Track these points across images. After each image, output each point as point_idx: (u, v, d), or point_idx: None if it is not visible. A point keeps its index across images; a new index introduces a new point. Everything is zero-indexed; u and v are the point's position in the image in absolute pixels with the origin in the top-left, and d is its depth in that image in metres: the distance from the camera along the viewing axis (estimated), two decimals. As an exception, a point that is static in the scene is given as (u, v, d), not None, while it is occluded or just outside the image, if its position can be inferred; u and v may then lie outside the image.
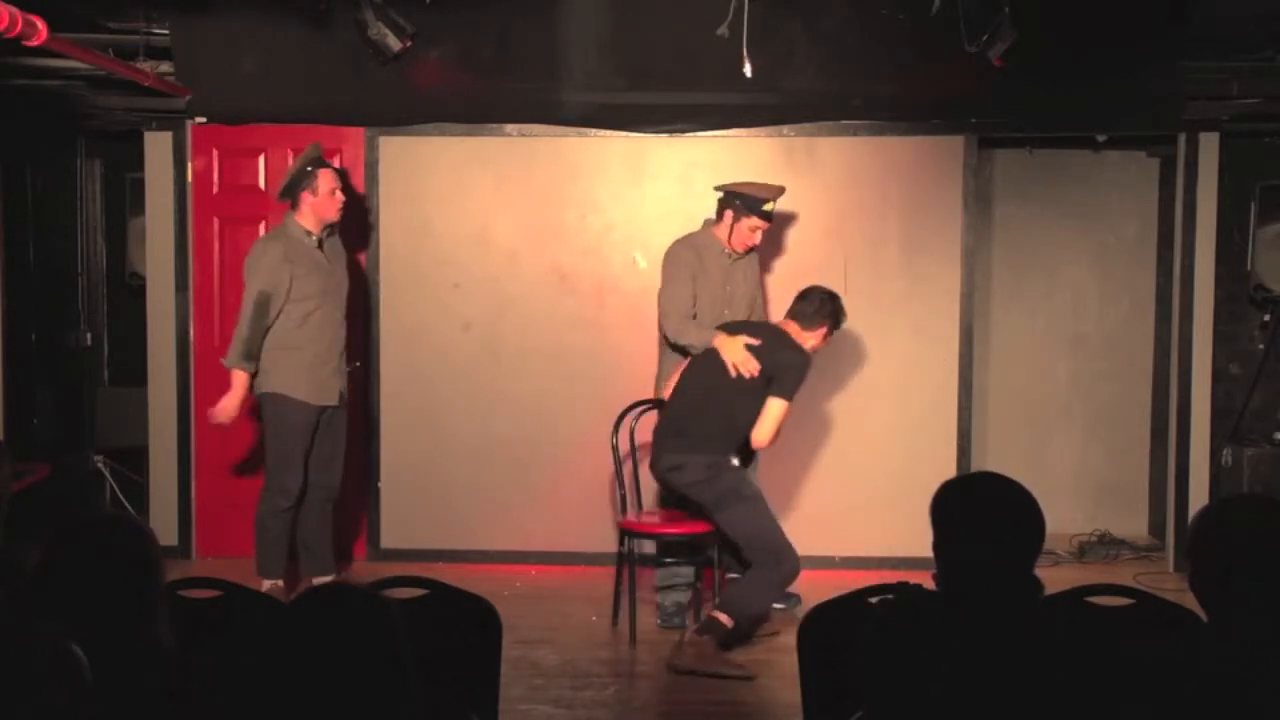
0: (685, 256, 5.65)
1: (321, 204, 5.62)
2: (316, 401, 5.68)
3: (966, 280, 6.49)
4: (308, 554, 5.83)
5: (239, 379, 5.58)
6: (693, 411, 5.29)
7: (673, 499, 5.51)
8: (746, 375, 5.23)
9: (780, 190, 5.66)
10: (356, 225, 6.58)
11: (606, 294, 6.56)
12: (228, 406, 5.60)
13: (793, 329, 5.36)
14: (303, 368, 5.63)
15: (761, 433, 5.26)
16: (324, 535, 5.86)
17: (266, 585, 5.52)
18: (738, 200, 5.61)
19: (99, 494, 7.05)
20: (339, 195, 5.67)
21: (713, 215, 5.75)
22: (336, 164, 6.54)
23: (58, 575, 2.32)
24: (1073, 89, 6.15)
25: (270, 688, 2.00)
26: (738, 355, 5.25)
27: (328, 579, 5.70)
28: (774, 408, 5.22)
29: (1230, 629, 2.34)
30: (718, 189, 5.72)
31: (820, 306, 5.37)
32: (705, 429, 5.25)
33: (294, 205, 5.64)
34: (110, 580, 2.32)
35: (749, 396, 5.25)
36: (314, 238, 5.65)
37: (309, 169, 5.61)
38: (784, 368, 5.23)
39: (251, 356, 5.55)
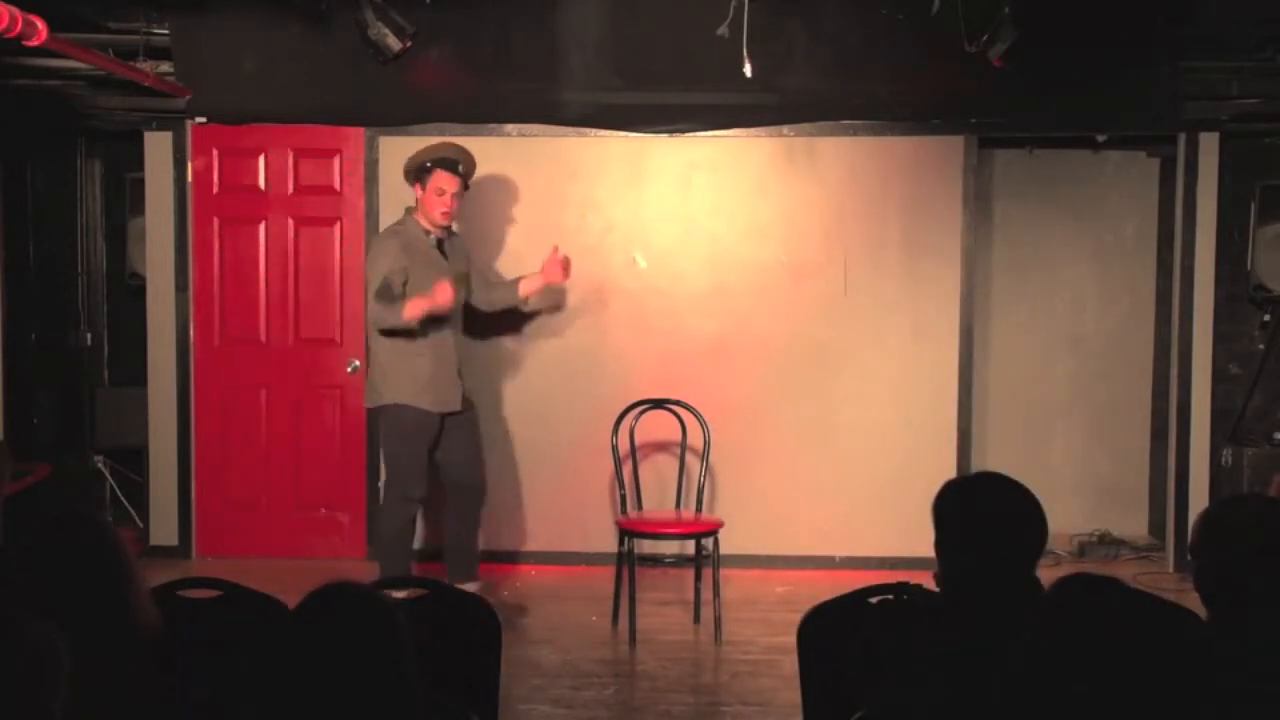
0: None
1: (426, 201, 5.48)
2: (438, 409, 5.52)
3: (966, 280, 6.49)
4: (455, 560, 5.67)
5: (414, 303, 5.31)
6: None
7: None
8: None
9: None
10: (353, 224, 6.60)
11: (606, 294, 6.56)
12: (444, 294, 5.31)
13: None
14: (423, 376, 5.46)
15: None
16: (472, 542, 5.73)
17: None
18: None
19: (99, 494, 7.06)
20: (445, 199, 5.46)
21: None
22: (336, 164, 6.56)
23: (17, 575, 2.31)
24: (1073, 89, 6.14)
25: (276, 688, 2.00)
26: None
27: (474, 585, 5.55)
28: None
29: (1236, 627, 2.34)
30: None
31: None
32: None
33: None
34: (70, 573, 2.31)
35: None
36: (431, 236, 5.52)
37: (428, 164, 5.48)
38: None
39: (397, 298, 5.33)
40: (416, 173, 5.52)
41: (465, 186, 5.62)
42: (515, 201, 6.55)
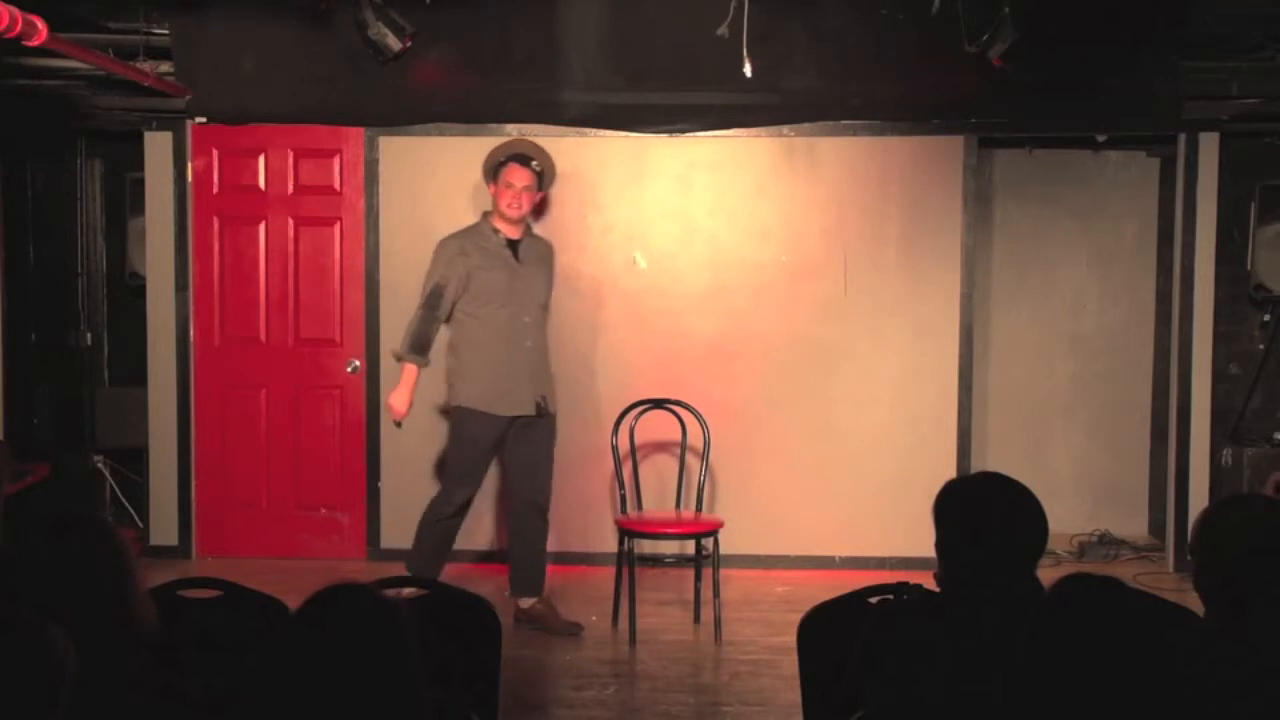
0: None
1: (497, 196, 5.43)
2: (503, 413, 5.40)
3: (966, 280, 6.49)
4: (511, 574, 5.54)
5: (409, 371, 5.42)
6: None
7: None
8: None
9: None
10: (353, 224, 6.60)
11: (606, 294, 6.56)
12: (398, 402, 5.42)
13: None
14: (485, 377, 5.39)
15: None
16: (532, 552, 5.51)
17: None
18: None
19: (99, 494, 7.06)
20: (512, 191, 5.37)
21: None
22: (336, 164, 6.56)
23: (17, 575, 2.31)
24: (1073, 89, 6.14)
25: (281, 688, 2.00)
26: None
27: (528, 601, 5.50)
28: None
29: (1236, 627, 2.34)
30: None
31: None
32: None
33: None
34: (70, 573, 2.31)
35: None
36: (501, 236, 5.44)
37: (502, 160, 5.47)
38: None
39: (420, 349, 5.40)
40: (492, 171, 5.51)
41: (541, 186, 5.58)
42: (515, 201, 6.54)
